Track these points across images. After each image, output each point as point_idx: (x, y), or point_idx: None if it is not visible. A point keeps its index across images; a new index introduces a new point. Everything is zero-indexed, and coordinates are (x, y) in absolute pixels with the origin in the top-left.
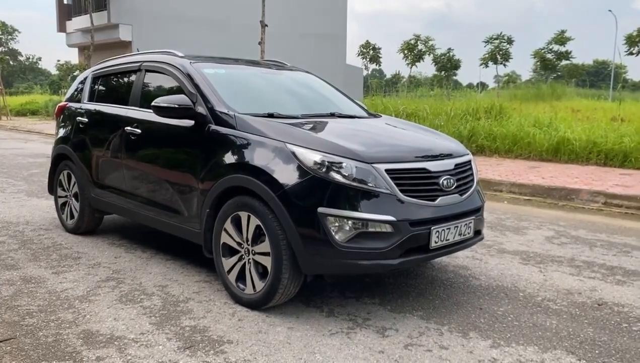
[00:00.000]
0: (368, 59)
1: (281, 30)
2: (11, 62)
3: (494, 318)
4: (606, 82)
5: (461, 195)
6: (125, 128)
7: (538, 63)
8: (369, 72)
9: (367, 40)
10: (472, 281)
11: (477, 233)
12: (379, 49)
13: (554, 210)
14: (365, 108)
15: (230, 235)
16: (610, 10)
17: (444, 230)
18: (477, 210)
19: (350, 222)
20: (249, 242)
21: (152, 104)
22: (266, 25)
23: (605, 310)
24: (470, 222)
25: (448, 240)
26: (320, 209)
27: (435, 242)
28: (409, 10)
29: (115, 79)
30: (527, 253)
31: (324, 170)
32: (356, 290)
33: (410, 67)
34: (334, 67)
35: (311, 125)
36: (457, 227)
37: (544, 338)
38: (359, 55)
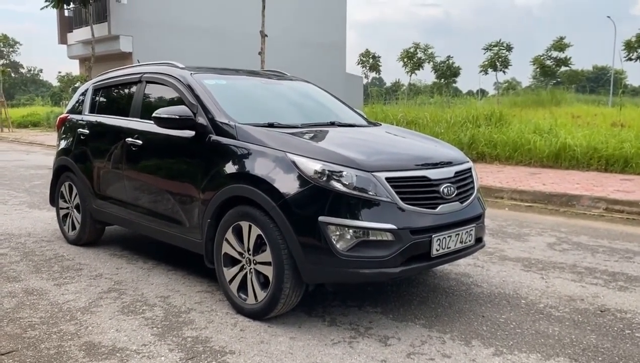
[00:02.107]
0: (368, 68)
1: (281, 40)
2: (13, 74)
3: (496, 325)
4: (606, 88)
5: (462, 202)
6: (126, 139)
7: (537, 69)
8: (369, 81)
9: (367, 49)
10: (474, 288)
11: (479, 240)
12: (379, 57)
13: (555, 217)
14: (365, 116)
15: (231, 245)
16: (608, 17)
17: (445, 238)
18: (478, 218)
19: (351, 230)
20: (250, 252)
21: (153, 115)
22: (266, 35)
23: (608, 316)
24: (471, 230)
25: (449, 248)
26: (321, 218)
27: (437, 250)
28: (407, 17)
29: (116, 91)
30: (529, 260)
31: (324, 179)
32: (358, 298)
33: (410, 75)
34: (334, 75)
35: (311, 135)
36: (458, 234)
37: (546, 345)
38: (358, 63)
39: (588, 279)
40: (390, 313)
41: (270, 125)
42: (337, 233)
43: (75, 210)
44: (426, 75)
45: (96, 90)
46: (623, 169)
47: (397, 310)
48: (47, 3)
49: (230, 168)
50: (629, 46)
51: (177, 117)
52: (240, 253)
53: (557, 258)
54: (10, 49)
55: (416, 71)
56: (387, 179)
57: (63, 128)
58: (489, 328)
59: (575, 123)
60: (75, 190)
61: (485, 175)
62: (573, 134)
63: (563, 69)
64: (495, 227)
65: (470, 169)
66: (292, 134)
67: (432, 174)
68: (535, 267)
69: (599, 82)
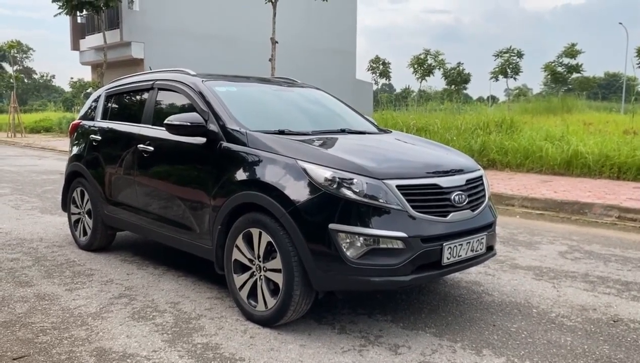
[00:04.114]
0: (378, 74)
1: (291, 46)
2: (26, 80)
3: (507, 335)
4: (618, 95)
5: (473, 210)
6: (138, 145)
7: (549, 76)
8: (379, 87)
9: (377, 55)
10: (485, 297)
11: (490, 249)
12: (389, 63)
13: (566, 225)
14: (376, 124)
15: (241, 252)
16: (620, 23)
17: (456, 246)
18: (489, 226)
19: (361, 238)
20: (261, 259)
21: (165, 122)
22: (276, 42)
23: (621, 326)
24: (483, 238)
25: (460, 256)
26: (332, 225)
27: (448, 259)
28: (417, 24)
29: (128, 97)
30: (540, 268)
31: (334, 186)
32: (368, 306)
33: (420, 82)
34: (344, 82)
35: (322, 142)
36: (469, 243)
37: (558, 355)
38: (368, 70)
39: (600, 288)
40: (400, 322)
41: (281, 133)
42: (348, 240)
43: (86, 215)
44: (436, 82)
45: (108, 97)
46: (636, 176)
47: (408, 319)
48: (61, 10)
49: (241, 175)
50: None
51: (189, 124)
52: (251, 260)
53: (569, 267)
54: (24, 55)
55: (426, 77)
56: (397, 186)
57: (75, 134)
58: (500, 338)
59: (587, 130)
60: (87, 196)
61: (496, 183)
62: (585, 141)
63: (574, 75)
64: (506, 235)
65: (481, 176)
66: (303, 141)
67: (443, 181)
68: (546, 275)
69: (610, 89)
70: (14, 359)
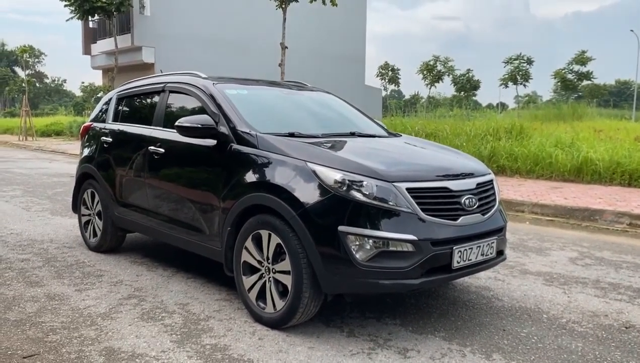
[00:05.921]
0: (387, 80)
1: (301, 52)
2: (37, 84)
3: (517, 340)
4: (629, 102)
5: (483, 214)
6: (149, 147)
7: (559, 83)
8: (388, 93)
9: (386, 62)
10: (494, 302)
11: (500, 253)
12: (398, 70)
13: (577, 231)
14: (385, 127)
15: (250, 254)
16: (632, 30)
17: (466, 250)
18: (500, 230)
19: (371, 241)
20: (270, 261)
21: (176, 124)
22: (286, 47)
23: (633, 333)
24: (493, 242)
25: (470, 260)
26: (341, 228)
27: (458, 262)
28: (427, 30)
29: (139, 100)
30: (551, 274)
31: (344, 188)
32: (377, 310)
33: (429, 88)
34: (353, 87)
35: (331, 144)
36: (479, 247)
37: (569, 361)
38: (377, 76)
39: (612, 295)
40: (409, 325)
41: (291, 135)
42: (357, 243)
43: (97, 217)
44: (445, 88)
45: (120, 99)
46: None
47: (417, 323)
48: (73, 15)
49: (250, 177)
50: None
51: (200, 126)
52: (260, 262)
53: (579, 273)
54: (36, 60)
55: (435, 84)
56: (407, 189)
57: (86, 136)
58: (510, 343)
59: (598, 137)
60: (97, 198)
61: (506, 189)
62: (595, 148)
63: (585, 82)
64: (516, 241)
65: (492, 180)
66: (313, 143)
67: (453, 185)
68: (557, 281)
69: (621, 97)
70: (24, 357)
